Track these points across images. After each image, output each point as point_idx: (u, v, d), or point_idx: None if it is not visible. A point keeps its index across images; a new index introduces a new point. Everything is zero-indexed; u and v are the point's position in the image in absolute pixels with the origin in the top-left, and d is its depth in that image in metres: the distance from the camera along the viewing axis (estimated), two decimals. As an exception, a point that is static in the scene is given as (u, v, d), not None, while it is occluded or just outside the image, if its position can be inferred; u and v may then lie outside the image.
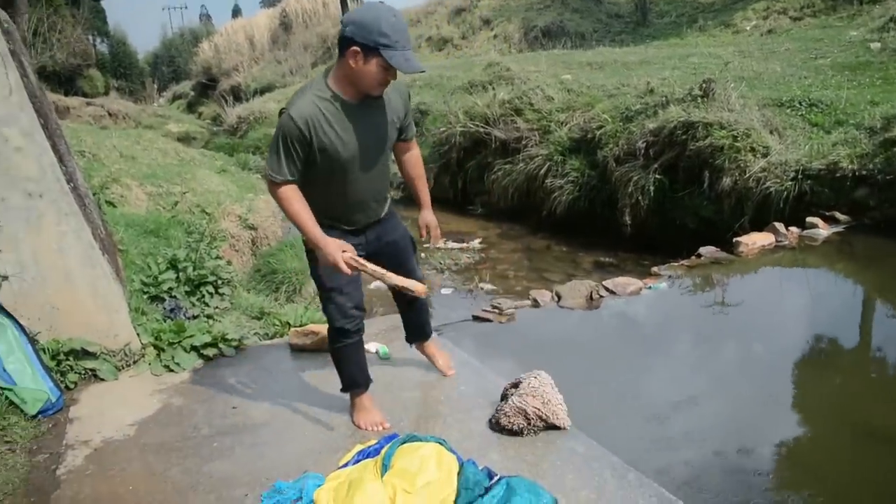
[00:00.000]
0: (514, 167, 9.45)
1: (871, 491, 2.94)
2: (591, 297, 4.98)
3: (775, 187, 6.63)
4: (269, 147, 2.61)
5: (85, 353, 3.48)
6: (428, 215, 3.19)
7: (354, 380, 3.08)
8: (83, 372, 3.47)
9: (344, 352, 3.02)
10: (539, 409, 2.89)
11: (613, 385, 3.82)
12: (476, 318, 4.73)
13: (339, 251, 2.62)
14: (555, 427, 2.92)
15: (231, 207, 7.56)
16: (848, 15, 13.48)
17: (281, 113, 2.62)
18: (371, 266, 2.74)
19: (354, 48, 2.47)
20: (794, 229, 6.13)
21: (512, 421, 2.89)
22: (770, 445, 3.21)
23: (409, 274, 3.02)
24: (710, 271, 5.64)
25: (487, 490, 2.38)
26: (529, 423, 2.88)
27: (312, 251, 2.83)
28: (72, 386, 3.40)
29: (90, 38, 36.14)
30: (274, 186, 2.62)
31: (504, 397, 3.07)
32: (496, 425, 2.95)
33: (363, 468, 2.45)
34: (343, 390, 3.12)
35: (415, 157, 3.15)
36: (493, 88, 11.27)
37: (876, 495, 2.91)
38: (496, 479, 2.44)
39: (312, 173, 2.67)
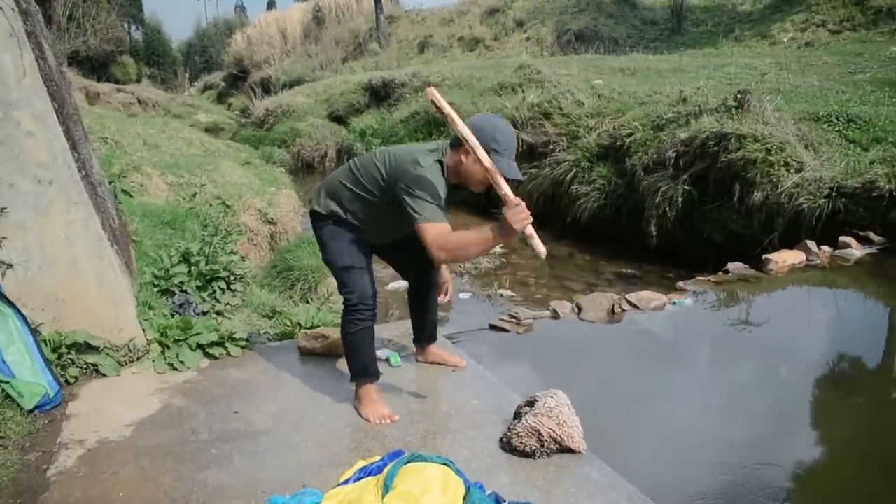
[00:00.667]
0: (541, 171, 9.30)
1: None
2: (613, 311, 4.82)
3: (808, 204, 6.42)
4: (417, 199, 2.74)
5: (88, 347, 3.38)
6: (445, 273, 3.42)
7: (366, 367, 3.10)
8: (84, 366, 3.37)
9: (358, 336, 3.05)
10: (553, 431, 2.75)
11: (633, 405, 3.66)
12: (493, 328, 4.59)
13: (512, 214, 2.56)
14: (569, 450, 2.77)
15: (252, 201, 7.47)
16: (889, 30, 13.18)
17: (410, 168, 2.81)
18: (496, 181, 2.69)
19: (465, 147, 2.72)
20: (825, 248, 5.91)
21: (524, 442, 2.75)
22: (792, 474, 3.04)
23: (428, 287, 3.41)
24: (738, 288, 5.46)
25: (494, 517, 2.24)
26: (542, 446, 2.74)
27: (318, 231, 3.12)
28: (72, 381, 3.30)
29: (125, 24, 36.43)
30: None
31: (518, 415, 2.93)
32: (507, 445, 2.80)
33: (364, 487, 2.31)
34: (352, 379, 3.13)
35: None
36: (523, 91, 11.13)
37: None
38: (504, 505, 2.31)
39: (393, 208, 2.87)
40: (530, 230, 2.58)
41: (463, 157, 2.79)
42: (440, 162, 2.84)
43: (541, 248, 2.61)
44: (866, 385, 4.02)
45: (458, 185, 2.92)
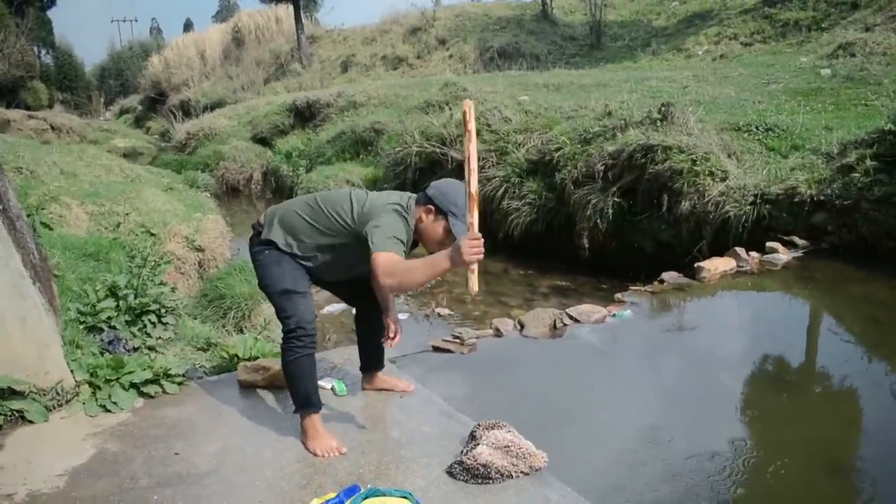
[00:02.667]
0: (471, 188, 9.29)
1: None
2: (555, 326, 4.82)
3: (734, 211, 6.61)
4: (388, 232, 2.75)
5: (11, 393, 3.16)
6: (393, 312, 3.34)
7: (309, 398, 3.00)
8: (9, 413, 3.14)
9: (298, 364, 2.95)
10: (509, 450, 2.71)
11: (583, 419, 3.66)
12: (436, 349, 4.52)
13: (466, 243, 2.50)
14: (524, 473, 2.73)
15: (178, 228, 7.23)
16: (797, 42, 13.79)
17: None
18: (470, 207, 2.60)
19: (429, 206, 2.91)
20: (754, 254, 6.09)
21: (479, 464, 2.69)
22: (740, 479, 3.07)
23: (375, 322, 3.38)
24: (673, 297, 5.55)
25: (457, 550, 2.17)
26: (499, 471, 2.69)
27: (258, 256, 3.03)
28: (-5, 430, 3.09)
29: (35, 48, 35.20)
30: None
31: (472, 437, 2.88)
32: (461, 469, 2.74)
33: (320, 527, 2.22)
34: (296, 411, 3.03)
35: None
36: (450, 108, 11.17)
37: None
38: (466, 536, 2.24)
39: (351, 250, 2.94)
40: (475, 266, 2.51)
41: (423, 216, 2.92)
42: (406, 218, 2.90)
43: (475, 287, 2.52)
44: (804, 386, 4.13)
45: (415, 241, 3.03)
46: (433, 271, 2.61)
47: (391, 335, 3.29)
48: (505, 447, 2.76)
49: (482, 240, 2.45)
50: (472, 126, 2.43)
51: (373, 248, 2.69)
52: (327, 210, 2.95)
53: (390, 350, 3.58)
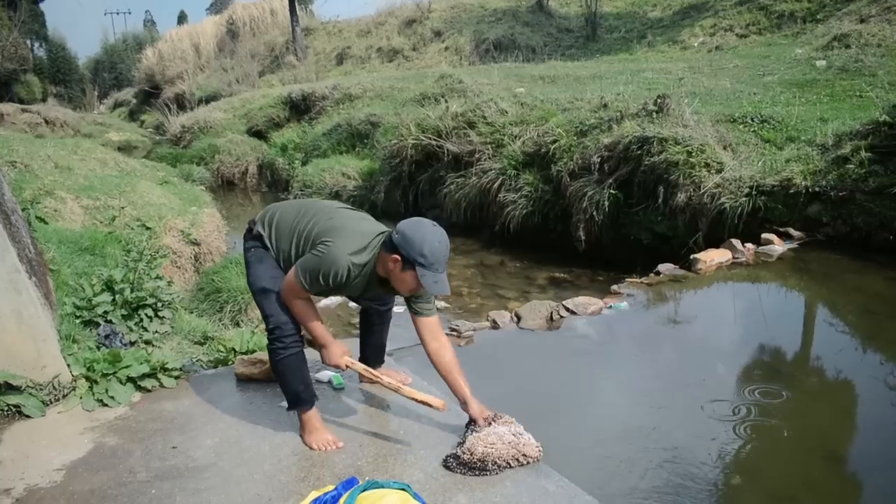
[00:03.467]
0: (467, 181, 9.32)
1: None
2: (552, 318, 4.83)
3: (730, 203, 6.61)
4: (310, 266, 2.79)
5: (8, 388, 3.16)
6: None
7: (299, 396, 2.98)
8: (6, 408, 3.15)
9: (283, 364, 2.95)
10: (505, 441, 2.72)
11: (580, 410, 3.68)
12: (433, 341, 4.52)
13: (343, 352, 2.93)
14: (521, 463, 2.74)
15: (173, 221, 7.23)
16: (792, 33, 13.79)
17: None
18: (376, 372, 3.03)
19: (395, 256, 2.72)
20: (750, 246, 6.10)
21: (475, 459, 2.70)
22: (736, 469, 3.10)
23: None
24: (670, 289, 5.56)
25: (455, 541, 2.18)
26: (495, 462, 2.70)
27: (245, 253, 3.05)
28: (-8, 425, 3.09)
29: (28, 42, 35.01)
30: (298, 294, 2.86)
31: (469, 426, 2.89)
32: (457, 463, 2.74)
33: (319, 519, 2.23)
34: (289, 408, 3.04)
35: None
36: (446, 101, 11.15)
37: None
38: (464, 527, 2.25)
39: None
40: (413, 393, 2.97)
41: (391, 265, 2.75)
42: (368, 262, 2.83)
43: (436, 402, 2.95)
44: (799, 377, 4.14)
45: (388, 282, 2.89)
46: (304, 325, 2.93)
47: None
48: (502, 439, 2.77)
49: (345, 368, 2.98)
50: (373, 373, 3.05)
51: (298, 262, 2.82)
52: (311, 215, 2.93)
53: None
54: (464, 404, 2.95)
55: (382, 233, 2.86)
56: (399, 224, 2.78)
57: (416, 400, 2.93)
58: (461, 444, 2.82)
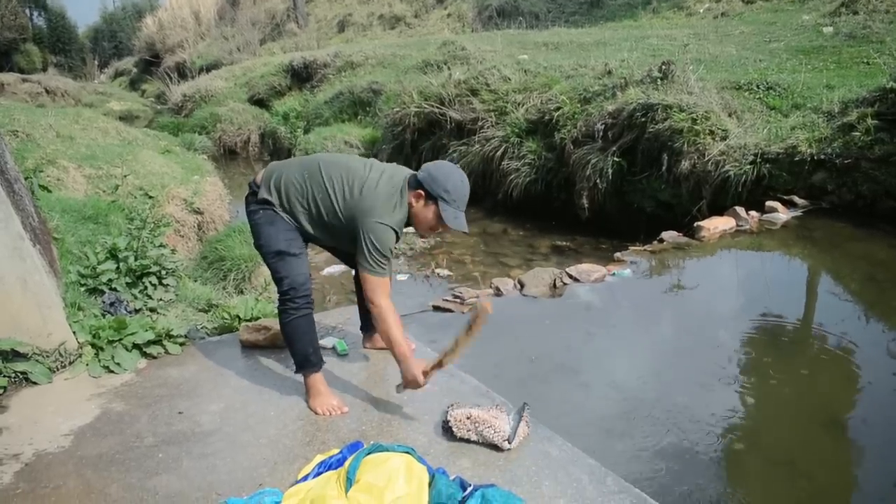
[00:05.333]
0: (470, 149, 9.27)
1: (843, 481, 2.88)
2: (555, 285, 4.84)
3: (734, 171, 6.58)
4: (374, 252, 2.80)
5: (15, 355, 3.18)
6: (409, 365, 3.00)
7: (307, 358, 3.01)
8: (13, 375, 3.17)
9: (294, 326, 2.97)
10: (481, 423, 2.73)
11: (582, 376, 3.70)
12: (436, 308, 4.55)
13: (420, 370, 2.84)
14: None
15: (176, 190, 7.21)
16: (799, -1, 13.59)
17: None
18: (443, 359, 2.86)
19: (420, 191, 2.85)
20: (754, 213, 6.08)
21: (460, 429, 2.73)
22: (739, 436, 3.12)
23: None
24: (674, 256, 5.56)
25: (462, 503, 2.21)
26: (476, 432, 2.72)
27: (253, 216, 2.99)
28: (0, 391, 3.10)
29: (26, 10, 34.69)
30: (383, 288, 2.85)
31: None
32: (448, 431, 2.77)
33: (325, 482, 2.25)
34: (297, 371, 3.06)
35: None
36: (448, 68, 11.06)
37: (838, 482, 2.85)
38: (470, 490, 2.27)
39: (335, 226, 2.93)
40: (464, 336, 2.83)
41: (414, 200, 2.87)
42: (397, 207, 2.86)
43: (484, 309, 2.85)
44: (801, 344, 4.15)
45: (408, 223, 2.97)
46: (392, 346, 2.85)
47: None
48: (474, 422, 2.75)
49: (423, 386, 2.86)
50: (476, 329, 2.78)
51: (365, 267, 2.81)
52: (323, 182, 2.90)
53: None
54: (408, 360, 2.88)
55: (404, 178, 2.94)
56: (425, 165, 2.92)
57: (470, 331, 2.80)
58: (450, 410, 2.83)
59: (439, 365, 2.83)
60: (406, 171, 2.99)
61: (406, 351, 2.86)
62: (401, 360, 2.85)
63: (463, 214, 2.88)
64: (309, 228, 2.97)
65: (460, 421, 2.72)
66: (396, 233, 2.87)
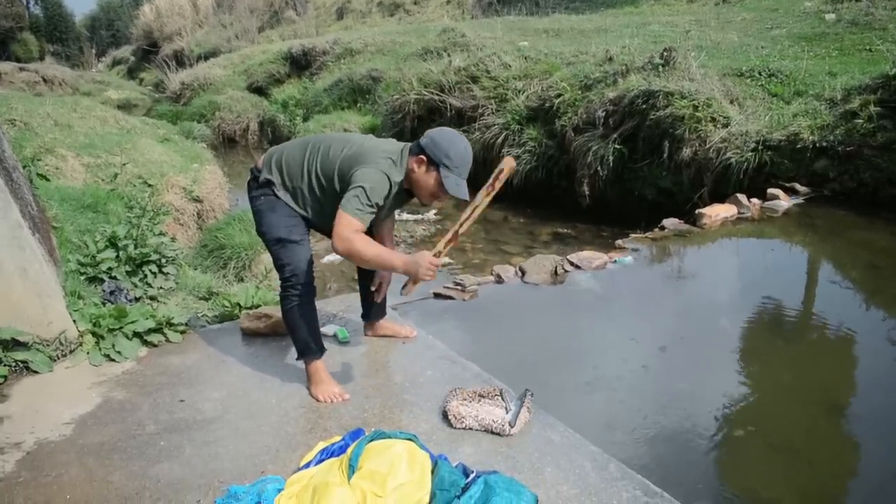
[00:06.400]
0: (470, 136, 9.21)
1: (844, 468, 2.88)
2: (556, 273, 4.83)
3: (735, 158, 6.56)
4: (361, 194, 2.67)
5: (15, 344, 3.17)
6: (385, 273, 3.25)
7: (309, 345, 3.01)
8: (13, 364, 3.16)
9: (296, 313, 2.96)
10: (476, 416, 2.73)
11: (583, 363, 3.69)
12: (437, 296, 4.54)
13: (428, 256, 2.67)
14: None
15: (175, 179, 7.20)
16: (801, -15, 13.49)
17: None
18: (459, 228, 2.78)
19: (422, 157, 2.77)
20: (755, 201, 6.07)
21: (456, 417, 2.72)
22: (739, 421, 3.11)
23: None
24: (674, 243, 5.55)
25: (464, 490, 2.20)
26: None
27: (255, 202, 2.97)
28: (1, 380, 3.09)
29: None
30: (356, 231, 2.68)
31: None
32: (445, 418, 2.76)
33: (328, 470, 2.24)
34: (298, 358, 3.06)
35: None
36: (448, 55, 11.02)
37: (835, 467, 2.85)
38: (472, 476, 2.26)
39: (336, 194, 2.81)
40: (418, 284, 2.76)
41: (415, 166, 2.79)
42: (394, 167, 2.80)
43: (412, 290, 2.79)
44: (802, 331, 4.15)
45: (409, 191, 2.92)
46: (382, 264, 2.72)
47: (373, 287, 3.25)
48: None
49: (440, 267, 2.68)
50: (499, 184, 2.69)
51: (345, 205, 2.66)
52: (324, 148, 2.89)
53: (391, 297, 3.59)
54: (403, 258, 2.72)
55: (405, 146, 2.89)
56: (428, 131, 2.84)
57: (493, 187, 2.69)
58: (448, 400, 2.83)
59: (455, 238, 2.76)
60: (409, 144, 2.92)
61: (398, 258, 2.69)
62: (401, 265, 2.66)
63: (465, 182, 2.81)
64: (309, 205, 2.92)
65: (457, 417, 2.71)
66: (391, 186, 2.75)
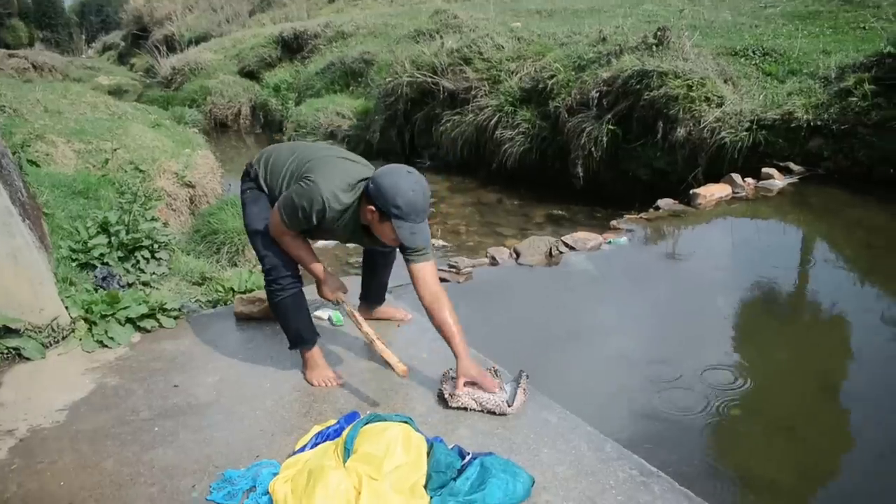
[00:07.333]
0: (464, 118, 9.19)
1: (839, 445, 2.89)
2: (551, 254, 4.82)
3: (730, 137, 6.55)
4: (285, 201, 2.71)
5: (7, 331, 3.14)
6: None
7: (300, 335, 2.99)
8: (6, 351, 3.13)
9: (282, 305, 2.93)
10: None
11: (579, 343, 3.69)
12: (432, 279, 4.51)
13: (336, 287, 2.92)
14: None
15: (167, 164, 7.13)
16: (795, -37, 13.41)
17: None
18: (361, 318, 2.88)
19: (371, 207, 2.58)
20: (750, 180, 6.06)
21: (452, 397, 2.71)
22: (736, 399, 3.11)
23: None
24: (669, 224, 5.54)
25: (460, 472, 2.19)
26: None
27: (242, 195, 2.99)
28: (-8, 367, 3.08)
29: (10, -16, 34.19)
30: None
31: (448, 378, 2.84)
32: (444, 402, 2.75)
33: (323, 453, 2.23)
34: (291, 347, 3.04)
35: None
36: (441, 37, 10.94)
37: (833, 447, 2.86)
38: (468, 458, 2.26)
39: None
40: (383, 350, 2.79)
41: (369, 215, 2.62)
42: (351, 204, 2.68)
43: (399, 367, 2.74)
44: (797, 311, 4.16)
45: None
46: (305, 267, 2.88)
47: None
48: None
49: (341, 301, 2.92)
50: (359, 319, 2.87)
51: (277, 202, 2.75)
52: (301, 159, 2.82)
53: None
54: (325, 275, 2.93)
55: (368, 178, 2.66)
56: (375, 172, 2.63)
57: (382, 356, 2.78)
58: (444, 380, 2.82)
59: (351, 316, 2.89)
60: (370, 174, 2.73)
61: (316, 269, 2.88)
62: (317, 275, 2.90)
63: (423, 226, 2.60)
64: None
65: (452, 396, 2.70)
66: (325, 205, 2.61)
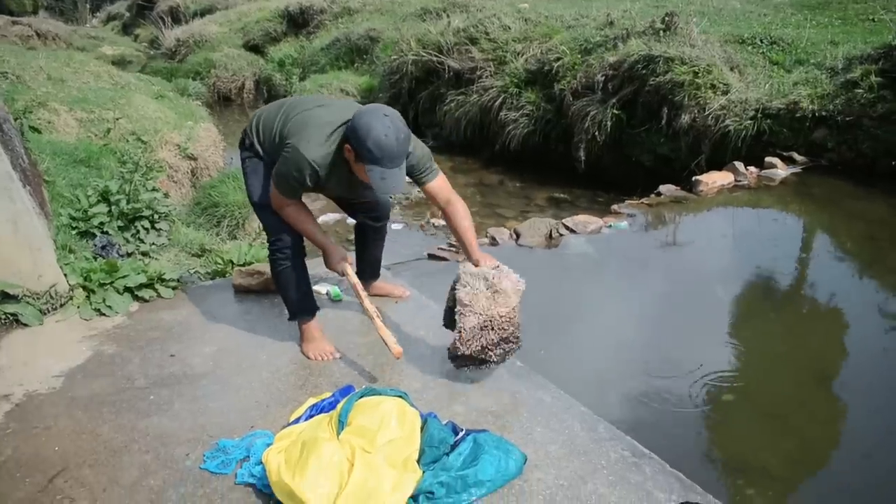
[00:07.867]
0: (468, 98, 9.13)
1: (832, 435, 2.90)
2: (551, 236, 4.81)
3: (734, 125, 6.52)
4: (276, 175, 2.70)
5: (5, 297, 3.15)
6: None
7: (299, 306, 3.01)
8: (3, 317, 3.14)
9: (284, 274, 2.94)
10: (483, 299, 2.76)
11: (576, 326, 3.70)
12: (431, 257, 4.53)
13: (341, 258, 2.89)
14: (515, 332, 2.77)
15: (169, 136, 7.11)
16: (806, -48, 13.30)
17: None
18: (363, 293, 2.88)
19: (348, 146, 2.53)
20: (753, 169, 6.05)
21: (472, 346, 2.66)
22: (730, 387, 3.13)
23: None
24: (670, 210, 5.53)
25: (453, 447, 2.21)
26: (494, 347, 2.69)
27: (242, 164, 2.95)
28: (-10, 332, 3.09)
29: (15, -50, 33.82)
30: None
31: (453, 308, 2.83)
32: (455, 356, 2.72)
33: (317, 425, 2.24)
34: (290, 319, 3.05)
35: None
36: (448, 16, 10.85)
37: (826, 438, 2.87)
38: (462, 434, 2.28)
39: None
40: (381, 327, 2.80)
41: (348, 154, 2.55)
42: (333, 152, 2.60)
43: (395, 349, 2.77)
44: (796, 301, 4.15)
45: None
46: (309, 238, 2.87)
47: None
48: (477, 295, 2.77)
49: (347, 274, 2.88)
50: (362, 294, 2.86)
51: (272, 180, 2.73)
52: (287, 114, 2.77)
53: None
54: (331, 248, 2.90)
55: (346, 119, 2.58)
56: (355, 111, 2.55)
57: (380, 335, 2.80)
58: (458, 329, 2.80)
59: (355, 288, 2.88)
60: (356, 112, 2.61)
61: (321, 239, 2.84)
62: (324, 246, 2.87)
63: (396, 171, 2.51)
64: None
65: (468, 341, 2.66)
66: (312, 166, 2.56)
